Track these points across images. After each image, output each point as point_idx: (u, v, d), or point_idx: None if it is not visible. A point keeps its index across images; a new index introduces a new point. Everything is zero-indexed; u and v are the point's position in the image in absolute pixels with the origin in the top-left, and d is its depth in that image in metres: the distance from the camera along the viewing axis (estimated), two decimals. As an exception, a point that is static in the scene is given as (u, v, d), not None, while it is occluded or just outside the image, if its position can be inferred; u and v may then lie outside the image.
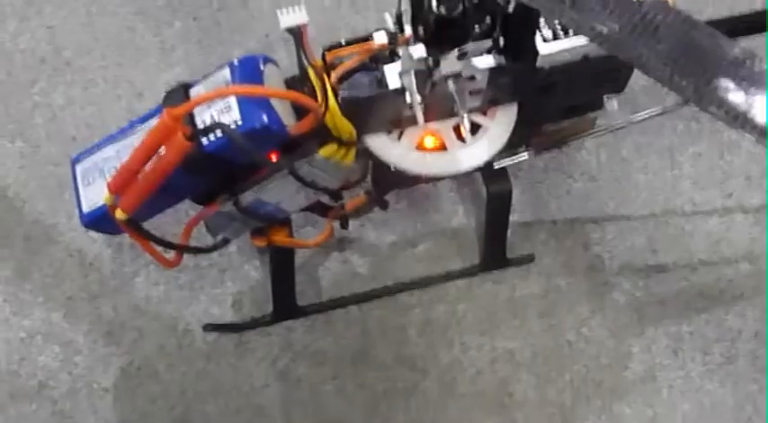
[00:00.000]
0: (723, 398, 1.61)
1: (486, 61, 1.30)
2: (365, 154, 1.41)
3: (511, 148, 1.51)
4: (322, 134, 1.31)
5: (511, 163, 1.52)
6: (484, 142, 1.40)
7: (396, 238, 1.69)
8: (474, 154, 1.40)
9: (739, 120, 1.01)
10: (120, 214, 1.27)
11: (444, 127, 1.40)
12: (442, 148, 1.41)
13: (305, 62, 1.25)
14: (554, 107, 1.46)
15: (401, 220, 1.70)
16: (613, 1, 1.07)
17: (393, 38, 1.28)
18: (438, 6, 1.17)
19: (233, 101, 1.23)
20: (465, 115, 1.32)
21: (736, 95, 1.03)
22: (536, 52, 1.30)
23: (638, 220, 1.72)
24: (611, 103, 1.49)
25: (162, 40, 1.87)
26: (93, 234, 1.66)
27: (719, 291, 1.67)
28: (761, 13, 1.51)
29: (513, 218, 1.68)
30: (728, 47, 1.06)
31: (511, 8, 1.23)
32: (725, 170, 1.76)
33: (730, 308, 1.66)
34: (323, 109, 1.26)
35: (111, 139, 1.39)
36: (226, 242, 1.48)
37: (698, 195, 1.74)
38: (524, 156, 1.54)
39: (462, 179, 1.71)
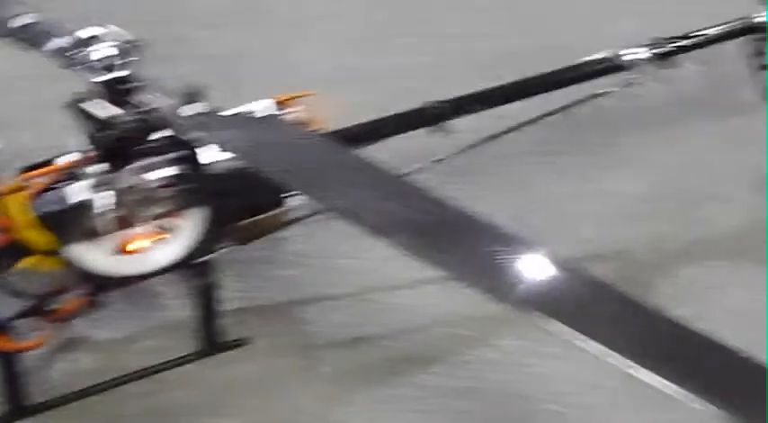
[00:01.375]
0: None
1: (165, 172, 1.51)
2: (74, 261, 1.57)
3: (211, 244, 1.72)
4: (23, 247, 1.48)
5: (210, 257, 1.72)
6: (176, 242, 1.60)
7: (121, 335, 1.85)
8: (168, 253, 1.59)
9: (344, 213, 1.25)
10: None
11: (140, 231, 1.58)
12: (140, 250, 1.59)
13: (-5, 185, 1.42)
14: (237, 207, 1.67)
15: (126, 319, 1.86)
16: (235, 120, 1.30)
17: (80, 158, 1.47)
18: (104, 129, 1.37)
19: (-69, 223, 1.39)
20: (151, 220, 1.52)
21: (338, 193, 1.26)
22: (207, 161, 1.52)
23: (342, 299, 1.94)
24: (294, 199, 1.72)
25: None
26: None
27: (415, 354, 1.89)
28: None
29: (228, 306, 1.87)
30: (332, 154, 1.29)
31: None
32: (416, 248, 2.00)
33: (425, 369, 1.88)
34: (17, 225, 1.43)
35: None
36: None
37: (394, 273, 1.97)
38: (223, 250, 1.74)
39: (178, 276, 1.89)
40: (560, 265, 1.27)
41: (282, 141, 1.30)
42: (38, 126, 2.06)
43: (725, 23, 2.07)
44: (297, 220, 1.79)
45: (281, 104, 1.60)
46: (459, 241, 1.26)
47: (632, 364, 1.20)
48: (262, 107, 1.54)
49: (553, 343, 1.90)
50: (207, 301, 1.78)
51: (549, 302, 1.24)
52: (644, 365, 1.19)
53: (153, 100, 1.32)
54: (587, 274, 1.28)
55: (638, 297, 1.26)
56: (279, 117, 1.33)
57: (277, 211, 1.73)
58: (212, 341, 1.84)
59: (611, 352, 1.20)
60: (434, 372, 1.88)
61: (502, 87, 1.90)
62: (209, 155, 1.51)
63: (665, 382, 1.19)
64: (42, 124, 2.05)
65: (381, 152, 2.00)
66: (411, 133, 1.90)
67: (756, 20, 2.07)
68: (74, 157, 1.48)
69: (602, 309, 1.26)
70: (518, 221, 2.03)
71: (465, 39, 2.34)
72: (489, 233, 1.28)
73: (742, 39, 2.10)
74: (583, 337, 1.22)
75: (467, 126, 2.10)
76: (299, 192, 1.27)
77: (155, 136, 1.45)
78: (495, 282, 1.24)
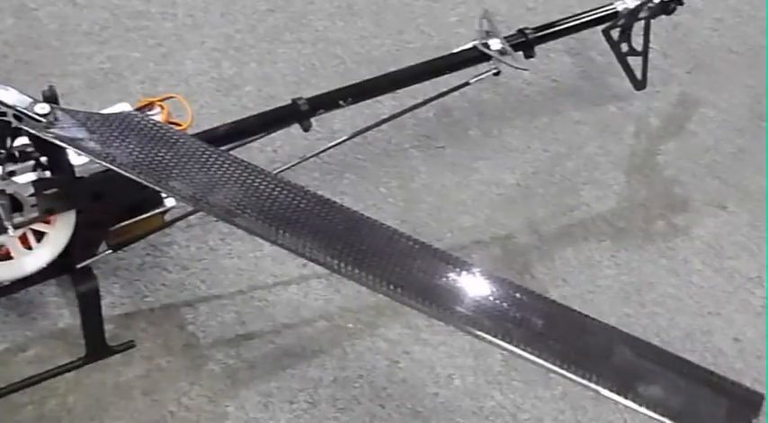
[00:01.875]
0: (308, 438, 1.86)
1: (27, 177, 1.53)
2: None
3: (90, 248, 1.74)
4: None
5: (91, 261, 1.75)
6: (46, 247, 1.62)
7: (7, 346, 1.87)
8: (38, 258, 1.62)
9: (192, 199, 1.29)
10: None
11: (9, 238, 1.60)
12: (11, 256, 1.62)
13: None
14: (111, 209, 1.70)
15: (11, 329, 1.88)
16: (88, 118, 1.33)
17: (-56, 166, 1.49)
18: (-41, 137, 1.40)
19: None
20: (12, 228, 1.54)
21: (189, 183, 1.30)
22: (71, 164, 1.55)
23: (227, 299, 1.97)
24: (170, 200, 1.76)
25: None
26: None
27: (301, 348, 1.94)
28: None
29: (113, 311, 1.91)
30: (185, 146, 1.33)
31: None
32: (299, 245, 2.05)
33: (311, 361, 1.92)
34: None
35: None
36: None
37: (278, 269, 2.02)
38: (102, 254, 1.77)
39: (65, 283, 1.91)
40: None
41: (140, 138, 1.33)
42: None
43: (588, 11, 2.15)
44: (176, 220, 1.82)
45: (141, 108, 1.64)
46: (337, 234, 1.31)
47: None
48: (118, 110, 1.57)
49: (436, 331, 1.98)
50: (90, 306, 1.79)
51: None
52: (527, 347, 1.24)
53: (9, 103, 1.35)
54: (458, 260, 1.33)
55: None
56: (135, 114, 1.36)
57: (155, 211, 1.76)
58: (98, 346, 1.86)
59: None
60: (321, 364, 1.93)
61: (374, 79, 1.96)
62: (78, 157, 1.54)
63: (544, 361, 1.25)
64: None
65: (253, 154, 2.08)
66: (284, 133, 1.95)
67: (619, 7, 2.15)
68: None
69: (476, 295, 1.30)
70: (403, 212, 2.13)
71: (333, 42, 2.40)
72: (371, 227, 1.32)
73: (606, 26, 2.18)
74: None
75: (340, 125, 2.17)
76: (153, 186, 1.30)
77: (18, 141, 1.47)
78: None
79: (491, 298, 1.26)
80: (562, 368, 1.24)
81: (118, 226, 1.75)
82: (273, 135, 2.02)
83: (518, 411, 1.91)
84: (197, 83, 2.25)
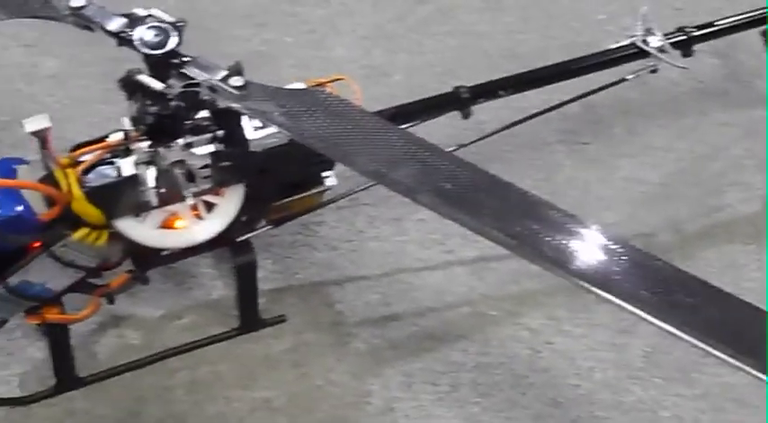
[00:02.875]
0: (449, 421, 1.88)
1: (206, 149, 1.59)
2: (120, 236, 1.66)
3: (251, 223, 1.80)
4: (74, 220, 1.57)
5: (251, 236, 1.81)
6: (215, 218, 1.68)
7: (164, 312, 1.94)
8: (208, 228, 1.68)
9: (375, 174, 1.33)
10: None
11: (182, 207, 1.67)
12: (183, 226, 1.68)
13: (49, 160, 1.52)
14: (277, 185, 1.75)
15: (168, 296, 1.96)
16: (278, 92, 1.38)
17: (127, 135, 1.56)
18: (152, 106, 1.46)
19: (-11, 195, 1.48)
20: (191, 197, 1.61)
21: (373, 157, 1.34)
22: (247, 139, 1.60)
23: (373, 280, 2.02)
24: (331, 179, 1.81)
25: (-50, 159, 2.09)
26: None
27: (444, 332, 1.97)
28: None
29: (266, 285, 1.96)
30: (369, 123, 1.38)
31: (220, 105, 1.52)
32: (444, 232, 2.08)
33: (453, 345, 1.96)
34: (68, 198, 1.52)
35: None
36: (2, 322, 1.70)
37: (423, 254, 2.06)
38: (263, 229, 1.83)
39: (219, 255, 1.98)
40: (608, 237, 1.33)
41: (327, 113, 1.38)
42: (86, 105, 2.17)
43: (745, 13, 2.13)
44: (333, 200, 1.87)
45: (312, 88, 1.69)
46: (516, 214, 1.33)
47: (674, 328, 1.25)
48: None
49: (577, 323, 2.00)
50: (246, 279, 1.86)
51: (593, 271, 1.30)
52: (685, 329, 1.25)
53: (198, 76, 1.41)
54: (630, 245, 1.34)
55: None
56: (322, 90, 1.41)
57: (315, 190, 1.81)
58: (250, 318, 1.93)
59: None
60: (464, 349, 1.96)
61: (535, 71, 1.98)
62: (254, 132, 1.59)
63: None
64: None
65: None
66: (433, 121, 1.98)
67: (777, 9, 2.14)
68: (123, 134, 1.56)
69: (644, 274, 1.32)
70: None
71: (480, 36, 2.43)
72: (539, 205, 1.35)
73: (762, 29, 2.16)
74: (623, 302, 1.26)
75: (487, 116, 2.19)
76: (337, 160, 1.35)
77: (200, 113, 1.54)
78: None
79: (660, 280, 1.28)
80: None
81: (279, 202, 1.80)
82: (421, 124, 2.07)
83: (658, 408, 1.91)
84: (347, 70, 2.28)
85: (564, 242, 1.30)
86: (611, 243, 1.32)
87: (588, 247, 1.31)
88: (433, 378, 1.92)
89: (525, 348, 1.97)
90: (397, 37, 2.39)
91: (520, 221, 1.31)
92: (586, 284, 1.28)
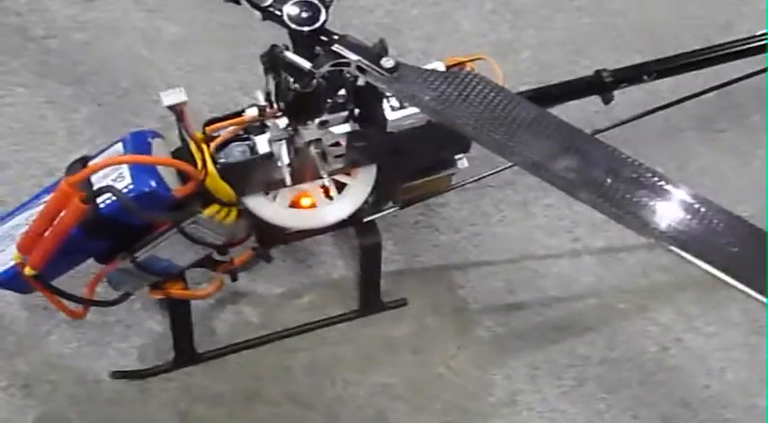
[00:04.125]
0: (574, 416, 1.82)
1: (343, 128, 1.54)
2: (247, 213, 1.62)
3: (378, 204, 1.75)
4: (205, 196, 1.53)
5: (378, 217, 1.75)
6: (347, 199, 1.63)
7: (283, 290, 1.90)
8: (339, 209, 1.63)
9: (534, 166, 1.26)
10: (28, 271, 1.47)
11: (313, 186, 1.62)
12: (312, 205, 1.63)
13: (185, 135, 1.47)
14: (409, 167, 1.69)
15: (287, 275, 1.91)
16: (429, 75, 1.31)
17: (262, 112, 1.51)
18: (294, 83, 1.40)
19: (125, 169, 1.45)
20: (326, 176, 1.56)
21: (530, 148, 1.27)
22: (385, 119, 1.54)
23: (498, 266, 1.95)
24: (462, 162, 1.74)
25: (70, 126, 2.07)
26: (9, 298, 1.84)
27: (570, 323, 1.90)
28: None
29: (386, 267, 1.90)
30: (524, 110, 1.30)
31: (360, 82, 1.46)
32: (573, 219, 2.00)
33: (580, 338, 1.89)
34: (203, 175, 1.48)
35: (20, 209, 1.59)
36: (127, 296, 1.68)
37: (549, 241, 1.99)
38: (390, 210, 1.77)
39: (341, 235, 1.93)
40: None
41: (480, 99, 1.31)
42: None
43: None
44: (460, 184, 1.80)
45: (450, 67, 1.62)
46: (676, 215, 1.26)
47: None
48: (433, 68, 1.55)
49: (709, 320, 1.91)
50: (371, 261, 1.81)
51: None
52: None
53: (348, 55, 1.35)
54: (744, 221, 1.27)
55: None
56: (475, 75, 1.33)
57: (445, 172, 1.74)
58: (371, 301, 1.88)
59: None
60: (590, 342, 1.89)
61: (671, 58, 1.88)
62: (391, 112, 1.53)
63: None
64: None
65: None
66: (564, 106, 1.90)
67: None
68: (257, 109, 1.51)
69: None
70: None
71: (612, 13, 2.32)
72: (702, 206, 1.27)
73: None
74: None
75: (619, 99, 2.10)
76: (490, 150, 1.27)
77: (342, 91, 1.48)
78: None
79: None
80: None
81: (409, 184, 1.74)
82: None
83: (794, 414, 1.83)
84: (475, 45, 2.22)
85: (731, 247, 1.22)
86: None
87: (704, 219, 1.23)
88: (558, 371, 1.86)
89: (654, 344, 1.89)
90: (525, 12, 2.30)
91: (684, 224, 1.22)
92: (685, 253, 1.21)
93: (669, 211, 1.24)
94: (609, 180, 1.24)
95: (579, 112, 2.04)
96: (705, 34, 2.23)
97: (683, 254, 1.22)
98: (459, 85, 1.31)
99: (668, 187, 1.26)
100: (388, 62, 1.32)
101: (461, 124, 1.28)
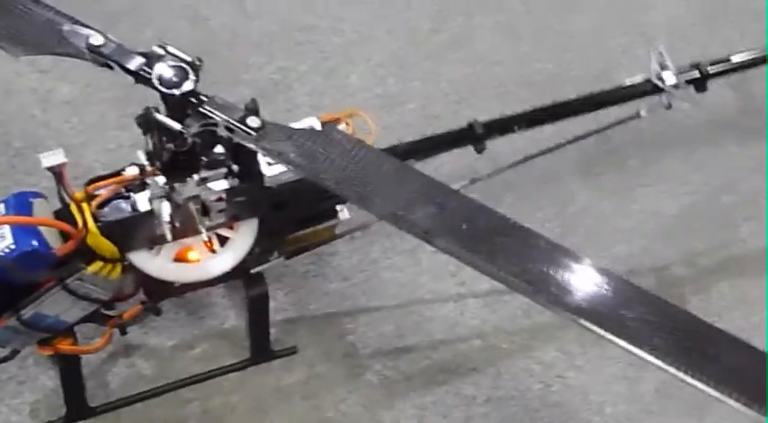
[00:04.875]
0: (461, 455, 1.89)
1: (222, 184, 1.59)
2: (132, 268, 1.67)
3: (264, 255, 1.80)
4: (88, 253, 1.57)
5: (264, 268, 1.80)
6: (230, 252, 1.68)
7: (176, 342, 1.94)
8: (222, 262, 1.68)
9: (393, 217, 1.33)
10: None
11: (197, 240, 1.67)
12: (197, 259, 1.68)
13: (65, 194, 1.52)
14: (290, 219, 1.75)
15: (180, 326, 1.96)
16: (294, 133, 1.38)
17: (142, 170, 1.56)
18: (168, 143, 1.46)
19: (7, 230, 1.48)
20: (206, 231, 1.61)
21: (389, 199, 1.34)
22: (262, 174, 1.60)
23: (386, 311, 2.02)
24: (344, 213, 1.81)
25: (-38, 183, 2.10)
26: None
27: (456, 365, 1.97)
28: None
29: (277, 316, 1.96)
30: (384, 163, 1.37)
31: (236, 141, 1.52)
32: (458, 264, 2.04)
33: (466, 378, 1.96)
34: (84, 232, 1.52)
35: None
36: (16, 352, 1.71)
37: (436, 286, 2.06)
38: (275, 261, 1.83)
39: (232, 286, 1.98)
40: (603, 273, 1.32)
41: (343, 154, 1.38)
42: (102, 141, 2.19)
43: (759, 48, 2.13)
44: (347, 232, 1.87)
45: (326, 123, 1.69)
46: (511, 249, 1.33)
47: (673, 367, 1.25)
48: (307, 125, 1.62)
49: (589, 357, 1.99)
50: (259, 310, 1.86)
51: (590, 307, 1.30)
52: (684, 368, 1.25)
53: (215, 116, 1.41)
54: (626, 281, 1.34)
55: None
56: (338, 130, 1.41)
57: (329, 223, 1.81)
58: (261, 349, 1.93)
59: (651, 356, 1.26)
60: (476, 382, 1.96)
61: (548, 107, 1.97)
62: (269, 167, 1.59)
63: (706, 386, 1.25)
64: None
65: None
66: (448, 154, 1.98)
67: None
68: (138, 168, 1.56)
69: (642, 314, 1.31)
70: (560, 237, 2.13)
71: (494, 64, 2.43)
72: (539, 242, 1.34)
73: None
74: (624, 342, 1.26)
75: (503, 148, 2.18)
76: (353, 202, 1.34)
77: (216, 149, 1.54)
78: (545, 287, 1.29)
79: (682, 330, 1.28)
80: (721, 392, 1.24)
81: (293, 235, 1.80)
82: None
83: (670, 443, 1.91)
84: (362, 98, 2.30)
85: (578, 287, 1.29)
86: (624, 288, 1.32)
87: (602, 293, 1.30)
88: (445, 411, 1.92)
89: (537, 382, 1.97)
90: (411, 65, 2.39)
91: (536, 266, 1.30)
92: (599, 330, 1.28)
93: (522, 254, 1.32)
94: (464, 227, 1.32)
95: (463, 160, 2.14)
96: (582, 82, 2.33)
97: (536, 298, 1.30)
98: (323, 142, 1.38)
99: (522, 232, 1.34)
100: (254, 121, 1.38)
101: (324, 179, 1.35)
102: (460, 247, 1.30)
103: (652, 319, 1.29)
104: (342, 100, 2.30)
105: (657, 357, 1.26)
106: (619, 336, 1.26)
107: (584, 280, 1.30)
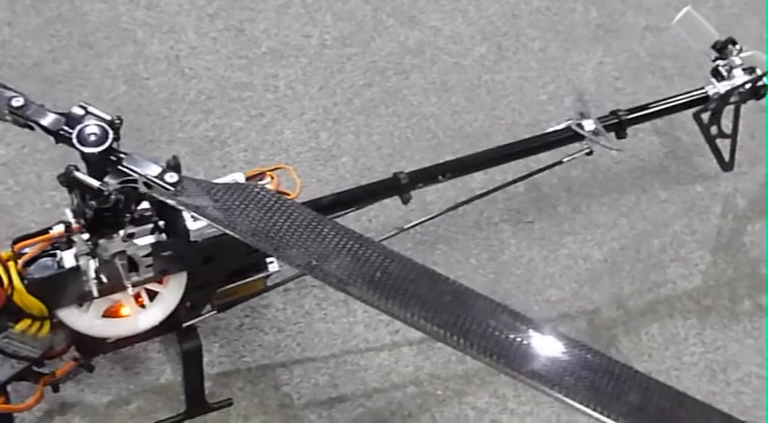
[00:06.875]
0: None
1: (147, 240, 1.62)
2: (62, 325, 1.68)
3: (196, 309, 1.83)
4: (15, 311, 1.59)
5: (197, 321, 1.83)
6: (158, 306, 1.71)
7: (111, 398, 1.96)
8: (151, 316, 1.70)
9: (309, 267, 1.36)
10: None
11: (126, 296, 1.69)
12: (125, 314, 1.70)
13: (-11, 254, 1.55)
14: (219, 272, 1.78)
15: (115, 382, 1.97)
16: (212, 187, 1.42)
17: (69, 228, 1.59)
18: (91, 200, 1.49)
19: (-69, 291, 1.50)
20: (131, 287, 1.64)
21: (304, 251, 1.38)
22: (187, 229, 1.64)
23: (321, 361, 2.04)
24: (273, 265, 1.84)
25: None
26: None
27: (391, 412, 2.00)
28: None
29: (213, 369, 1.99)
30: (300, 215, 1.41)
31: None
32: (391, 312, 2.11)
33: (403, 425, 1.99)
34: (9, 291, 1.54)
35: None
36: (-54, 413, 1.71)
37: (370, 335, 2.09)
38: (208, 314, 1.85)
39: (168, 340, 2.00)
40: (514, 316, 1.37)
41: (259, 208, 1.41)
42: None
43: (679, 95, 2.20)
44: (278, 284, 1.90)
45: (251, 178, 1.73)
46: (424, 295, 1.37)
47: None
48: (231, 180, 1.66)
49: (523, 401, 2.02)
50: (193, 364, 1.87)
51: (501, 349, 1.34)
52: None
53: (132, 171, 1.44)
54: (559, 334, 1.38)
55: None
56: (255, 185, 1.45)
57: (259, 275, 1.84)
58: (196, 403, 1.94)
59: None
60: (411, 429, 1.99)
61: (471, 156, 2.03)
62: (194, 222, 1.63)
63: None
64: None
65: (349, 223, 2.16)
66: (378, 204, 2.02)
67: (710, 91, 2.19)
68: (65, 226, 1.59)
69: (576, 369, 1.35)
70: (492, 284, 2.19)
71: (427, 117, 2.48)
72: (452, 287, 1.38)
73: (697, 110, 2.22)
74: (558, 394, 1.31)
75: (433, 197, 2.23)
76: (270, 254, 1.38)
77: (140, 205, 1.57)
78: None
79: (593, 372, 1.32)
80: None
81: (224, 288, 1.83)
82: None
83: (602, 485, 1.94)
84: (296, 152, 2.34)
85: (493, 332, 1.33)
86: (540, 333, 1.36)
87: (517, 338, 1.34)
88: (381, 459, 1.95)
89: (473, 427, 2.01)
90: (344, 119, 2.44)
91: (449, 312, 1.34)
92: (514, 373, 1.32)
93: (435, 300, 1.36)
94: (378, 275, 1.36)
95: (395, 211, 2.19)
96: (513, 132, 2.39)
97: (447, 343, 1.34)
98: (240, 196, 1.42)
99: (435, 278, 1.38)
100: (171, 177, 1.42)
101: (241, 231, 1.39)
102: (374, 294, 1.34)
103: (558, 356, 1.33)
104: (276, 155, 2.34)
105: (567, 396, 1.31)
106: (527, 376, 1.30)
107: (495, 322, 1.34)
